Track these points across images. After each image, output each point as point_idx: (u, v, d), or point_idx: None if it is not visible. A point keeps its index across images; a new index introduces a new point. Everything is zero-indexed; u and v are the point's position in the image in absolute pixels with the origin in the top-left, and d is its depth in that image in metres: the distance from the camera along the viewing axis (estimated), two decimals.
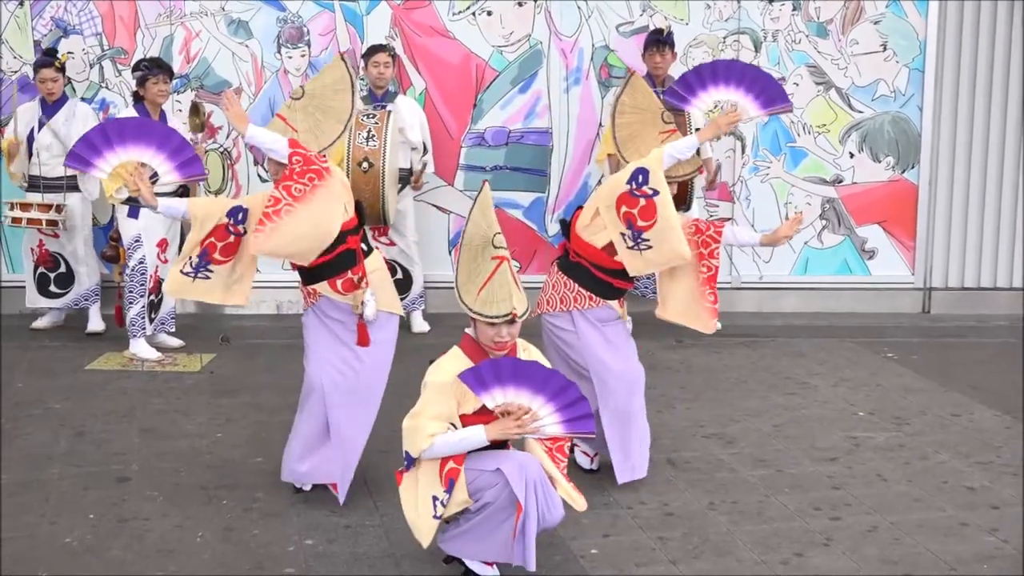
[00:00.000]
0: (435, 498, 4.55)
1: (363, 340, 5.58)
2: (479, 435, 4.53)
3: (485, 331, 4.62)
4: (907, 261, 9.98)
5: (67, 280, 8.65)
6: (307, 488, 5.75)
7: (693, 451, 6.42)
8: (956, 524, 5.47)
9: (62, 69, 8.46)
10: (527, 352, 4.77)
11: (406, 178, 8.66)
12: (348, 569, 4.95)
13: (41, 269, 8.65)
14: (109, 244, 8.33)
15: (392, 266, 8.54)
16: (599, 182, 9.03)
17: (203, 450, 6.34)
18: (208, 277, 5.51)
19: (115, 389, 7.37)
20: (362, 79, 8.76)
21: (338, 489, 5.62)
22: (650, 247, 5.66)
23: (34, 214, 8.27)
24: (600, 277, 5.81)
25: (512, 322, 4.60)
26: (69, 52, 8.83)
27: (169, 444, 6.40)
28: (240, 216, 5.47)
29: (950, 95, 9.82)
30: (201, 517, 5.45)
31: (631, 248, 5.70)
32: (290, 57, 9.27)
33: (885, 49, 9.73)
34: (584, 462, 6.09)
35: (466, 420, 4.59)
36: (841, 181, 9.84)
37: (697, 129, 6.82)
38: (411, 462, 4.60)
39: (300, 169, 5.38)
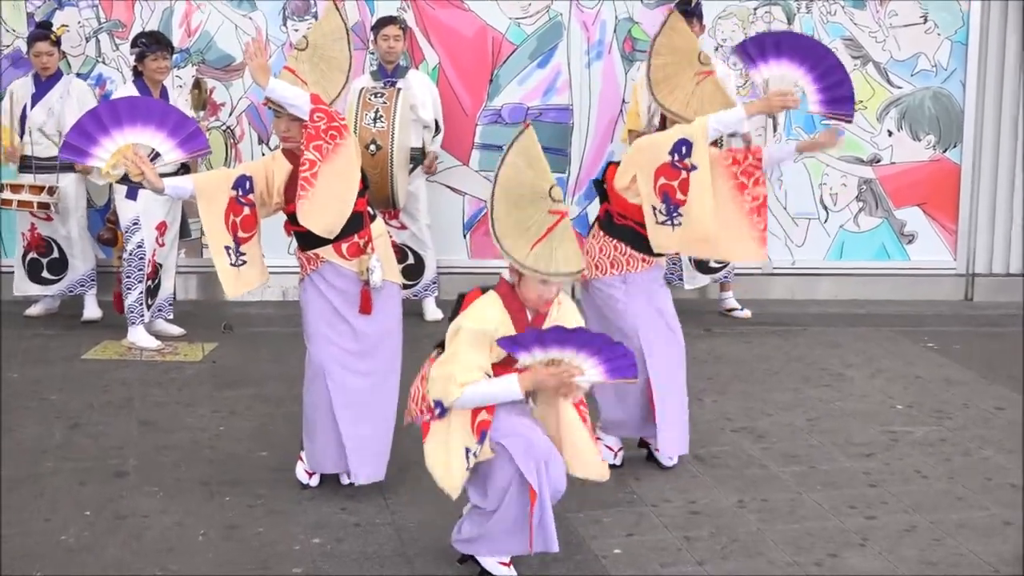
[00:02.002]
0: (468, 450, 4.55)
1: (366, 307, 5.54)
2: (512, 386, 4.47)
3: (535, 287, 4.53)
4: (948, 245, 9.87)
5: (60, 266, 8.56)
6: (314, 484, 5.71)
7: (721, 446, 6.37)
8: (999, 523, 5.41)
9: (57, 43, 8.39)
10: (560, 305, 4.68)
11: (418, 157, 8.57)
12: (358, 569, 4.93)
13: (33, 254, 8.56)
14: (106, 227, 8.31)
15: (403, 251, 8.56)
16: None
17: (205, 444, 6.33)
18: (246, 262, 5.50)
19: (113, 379, 7.35)
20: (372, 53, 8.73)
21: (355, 470, 5.58)
22: (682, 224, 5.66)
23: (25, 196, 8.18)
24: (646, 236, 5.79)
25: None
26: (64, 25, 8.77)
27: (169, 437, 6.39)
28: (247, 186, 5.45)
29: (995, 70, 9.68)
30: (203, 514, 5.43)
31: (662, 223, 5.69)
32: (296, 30, 9.15)
33: (926, 21, 9.60)
34: (608, 456, 5.96)
35: (494, 370, 4.57)
36: (879, 161, 9.73)
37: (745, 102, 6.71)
38: (443, 411, 4.57)
39: (325, 126, 5.39)
